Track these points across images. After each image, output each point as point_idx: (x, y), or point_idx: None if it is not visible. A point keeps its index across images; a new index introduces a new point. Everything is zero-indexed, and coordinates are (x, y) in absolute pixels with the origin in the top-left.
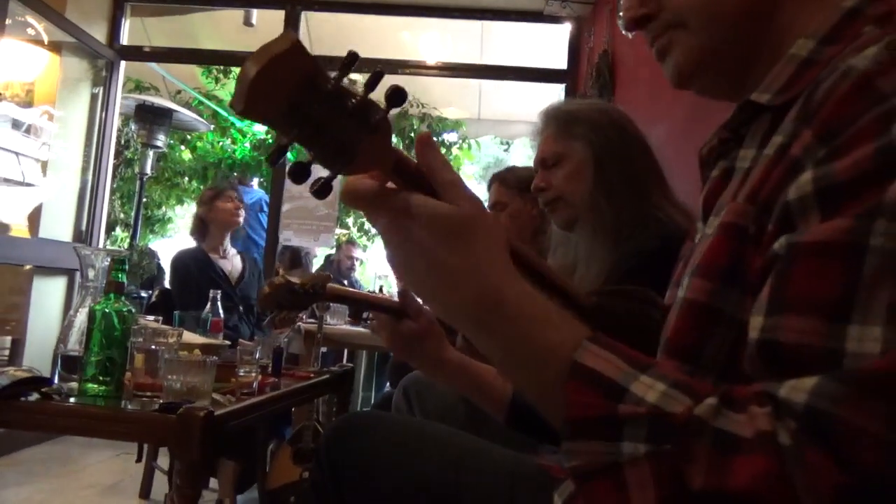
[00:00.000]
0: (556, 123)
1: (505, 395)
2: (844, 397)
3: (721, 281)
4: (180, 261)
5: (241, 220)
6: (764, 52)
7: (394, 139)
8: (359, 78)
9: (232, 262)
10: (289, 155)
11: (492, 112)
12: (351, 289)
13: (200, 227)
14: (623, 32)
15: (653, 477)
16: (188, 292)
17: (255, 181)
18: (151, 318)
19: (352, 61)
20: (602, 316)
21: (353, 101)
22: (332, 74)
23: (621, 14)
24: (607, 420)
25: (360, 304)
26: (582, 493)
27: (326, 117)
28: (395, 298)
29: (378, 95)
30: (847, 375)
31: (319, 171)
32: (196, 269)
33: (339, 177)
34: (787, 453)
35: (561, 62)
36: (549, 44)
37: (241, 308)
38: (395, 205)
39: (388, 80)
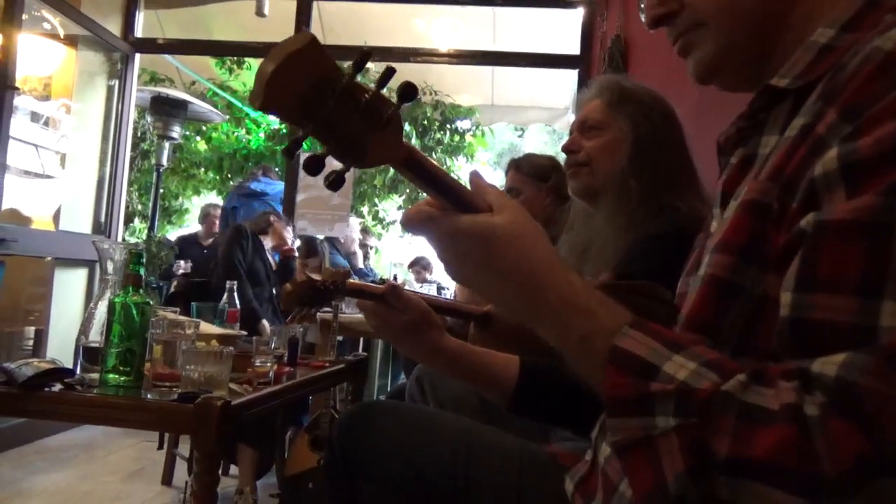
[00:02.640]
0: (609, 94)
1: (507, 381)
2: (874, 368)
3: (741, 256)
4: (241, 226)
5: (276, 251)
6: (784, 44)
7: (406, 127)
8: (371, 67)
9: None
10: (304, 144)
11: (505, 98)
12: (371, 284)
13: (263, 227)
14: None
15: (681, 448)
16: (237, 252)
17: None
18: (171, 309)
19: (365, 58)
20: None
21: (366, 96)
22: (347, 70)
23: (643, 11)
24: (641, 397)
25: (377, 298)
26: (623, 464)
27: (340, 113)
28: (408, 287)
29: (398, 79)
30: (877, 348)
31: (334, 164)
32: (251, 239)
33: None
34: (811, 423)
35: (574, 47)
36: (561, 29)
37: (273, 290)
38: (445, 225)
39: (401, 68)
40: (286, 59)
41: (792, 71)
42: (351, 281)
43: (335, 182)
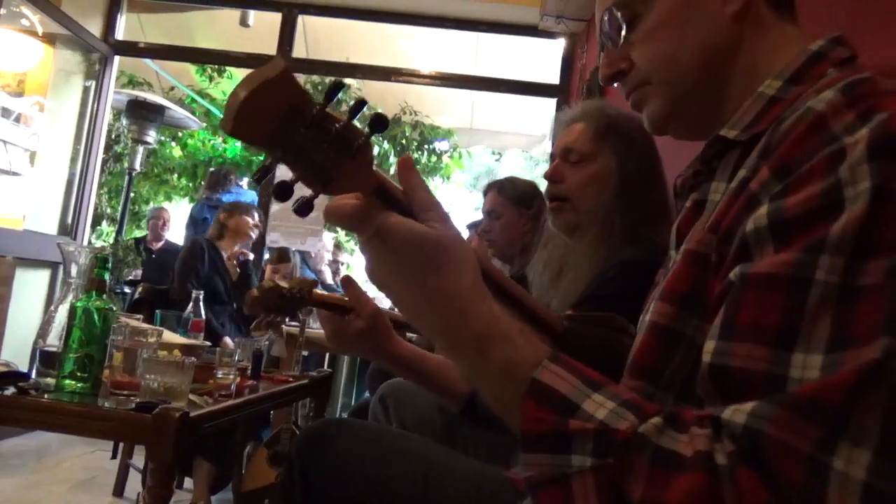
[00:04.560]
0: (595, 123)
1: (461, 388)
2: (778, 418)
3: (682, 306)
4: (196, 242)
5: (254, 238)
6: (732, 93)
7: (385, 145)
8: (352, 83)
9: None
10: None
11: (484, 122)
12: (335, 294)
13: (219, 231)
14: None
15: (596, 488)
16: (191, 273)
17: (245, 181)
18: (135, 316)
19: (337, 89)
20: (573, 340)
21: (337, 126)
22: (319, 100)
23: (599, 70)
24: (558, 434)
25: (340, 310)
26: (535, 501)
27: (310, 142)
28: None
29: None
30: (783, 398)
31: (303, 190)
32: (207, 254)
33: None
34: (721, 473)
35: (553, 77)
36: (542, 58)
37: (234, 306)
38: (373, 222)
39: (383, 87)
40: (259, 86)
41: (740, 122)
42: (316, 291)
43: (302, 208)
